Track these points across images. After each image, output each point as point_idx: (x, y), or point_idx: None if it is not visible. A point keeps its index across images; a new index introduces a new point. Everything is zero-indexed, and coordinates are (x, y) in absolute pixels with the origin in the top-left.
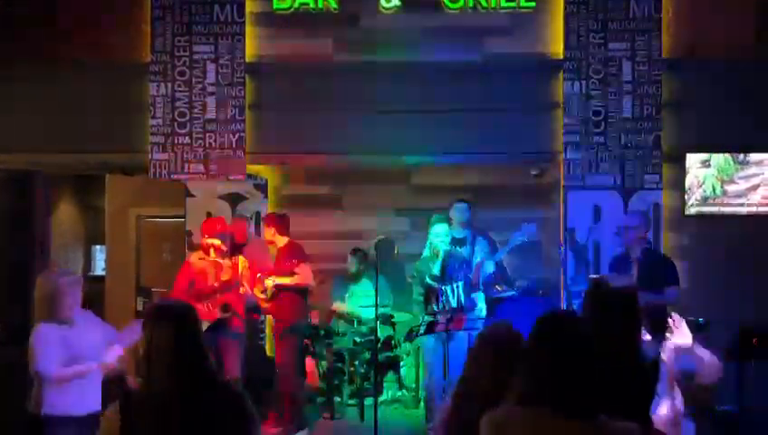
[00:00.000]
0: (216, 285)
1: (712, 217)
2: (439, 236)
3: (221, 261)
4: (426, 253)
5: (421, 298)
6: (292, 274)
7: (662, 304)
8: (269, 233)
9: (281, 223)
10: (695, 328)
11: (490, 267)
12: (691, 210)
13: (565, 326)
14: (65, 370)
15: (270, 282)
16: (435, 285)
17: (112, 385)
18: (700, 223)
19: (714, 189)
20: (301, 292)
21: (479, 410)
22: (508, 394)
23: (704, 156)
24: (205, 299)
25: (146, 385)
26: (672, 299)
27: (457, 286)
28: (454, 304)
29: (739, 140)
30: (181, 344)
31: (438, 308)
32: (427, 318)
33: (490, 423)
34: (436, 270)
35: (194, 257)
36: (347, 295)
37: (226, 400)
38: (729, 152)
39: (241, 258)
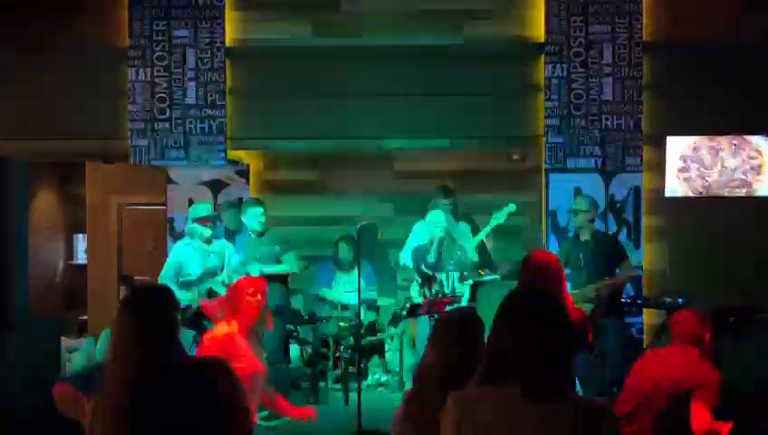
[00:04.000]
0: (202, 271)
1: (692, 200)
2: (437, 223)
3: (207, 247)
4: (425, 240)
5: (416, 284)
6: (278, 262)
7: (623, 280)
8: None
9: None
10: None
11: (471, 251)
12: (671, 193)
13: (532, 303)
14: None
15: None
16: (430, 272)
17: None
18: (680, 206)
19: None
20: (282, 278)
21: (436, 394)
22: (476, 374)
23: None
24: (191, 285)
25: (112, 373)
26: (633, 271)
27: (451, 274)
28: (448, 291)
29: (719, 124)
30: (140, 330)
31: (432, 295)
32: (412, 301)
33: (457, 403)
34: (432, 258)
35: (181, 244)
36: (333, 282)
37: (194, 383)
38: (709, 135)
39: (227, 245)
